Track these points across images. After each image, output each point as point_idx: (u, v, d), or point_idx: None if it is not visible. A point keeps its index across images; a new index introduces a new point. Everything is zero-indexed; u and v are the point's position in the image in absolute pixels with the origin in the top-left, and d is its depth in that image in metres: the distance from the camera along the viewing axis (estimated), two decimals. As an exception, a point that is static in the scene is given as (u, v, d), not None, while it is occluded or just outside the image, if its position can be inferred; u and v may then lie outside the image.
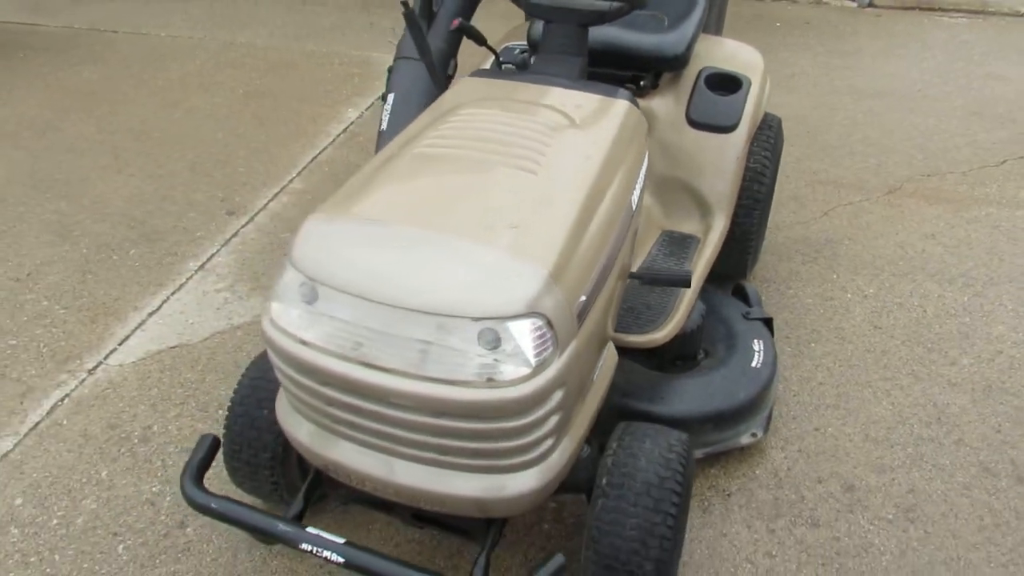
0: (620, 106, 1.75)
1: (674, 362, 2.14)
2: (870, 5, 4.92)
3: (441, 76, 2.54)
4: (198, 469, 1.55)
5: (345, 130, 3.67)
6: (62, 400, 2.28)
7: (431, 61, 2.12)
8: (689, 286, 1.83)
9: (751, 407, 2.02)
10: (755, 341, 2.14)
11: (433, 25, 2.54)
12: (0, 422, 2.21)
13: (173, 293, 2.68)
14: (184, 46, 4.60)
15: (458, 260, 1.33)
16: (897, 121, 3.61)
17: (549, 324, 1.31)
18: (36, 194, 3.23)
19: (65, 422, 2.21)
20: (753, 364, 2.07)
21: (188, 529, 1.92)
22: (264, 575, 1.82)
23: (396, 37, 4.60)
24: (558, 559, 1.38)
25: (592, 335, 1.48)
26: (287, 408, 1.54)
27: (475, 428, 1.32)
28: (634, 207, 1.69)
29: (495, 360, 1.29)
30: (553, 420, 1.38)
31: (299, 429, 1.51)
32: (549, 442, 1.41)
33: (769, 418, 2.08)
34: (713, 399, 1.98)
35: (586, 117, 1.69)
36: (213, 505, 1.47)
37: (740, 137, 2.27)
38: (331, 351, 1.35)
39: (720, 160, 2.27)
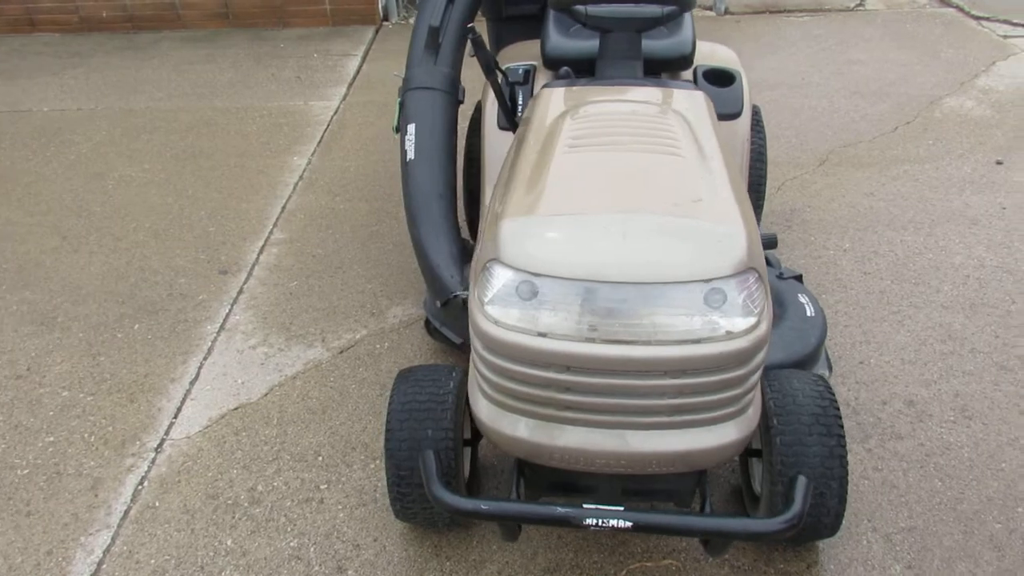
0: (699, 96, 1.96)
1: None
2: (727, 12, 5.52)
3: (454, 98, 2.65)
4: (445, 480, 1.56)
5: (301, 177, 3.63)
6: (141, 483, 2.14)
7: (496, 81, 2.22)
8: (775, 246, 2.06)
9: (818, 350, 2.29)
10: (799, 295, 2.41)
11: (439, 55, 2.65)
12: (83, 518, 2.04)
13: (205, 358, 2.57)
14: (77, 118, 4.32)
15: (667, 233, 1.47)
16: (798, 107, 4.11)
17: (759, 277, 1.48)
18: (-10, 287, 2.95)
19: (158, 504, 2.07)
20: (808, 314, 2.33)
21: (349, 572, 1.88)
22: (446, 595, 1.83)
23: (302, 85, 4.62)
24: (803, 479, 1.54)
25: (766, 290, 1.67)
26: (496, 412, 1.59)
27: (712, 381, 1.46)
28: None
29: (725, 315, 1.44)
30: (761, 369, 1.54)
31: (516, 427, 1.56)
32: (753, 392, 1.57)
33: (828, 358, 2.35)
34: (793, 347, 2.22)
35: (681, 106, 1.88)
36: (483, 507, 1.50)
37: (745, 122, 2.56)
38: (571, 336, 1.43)
39: (733, 143, 2.54)
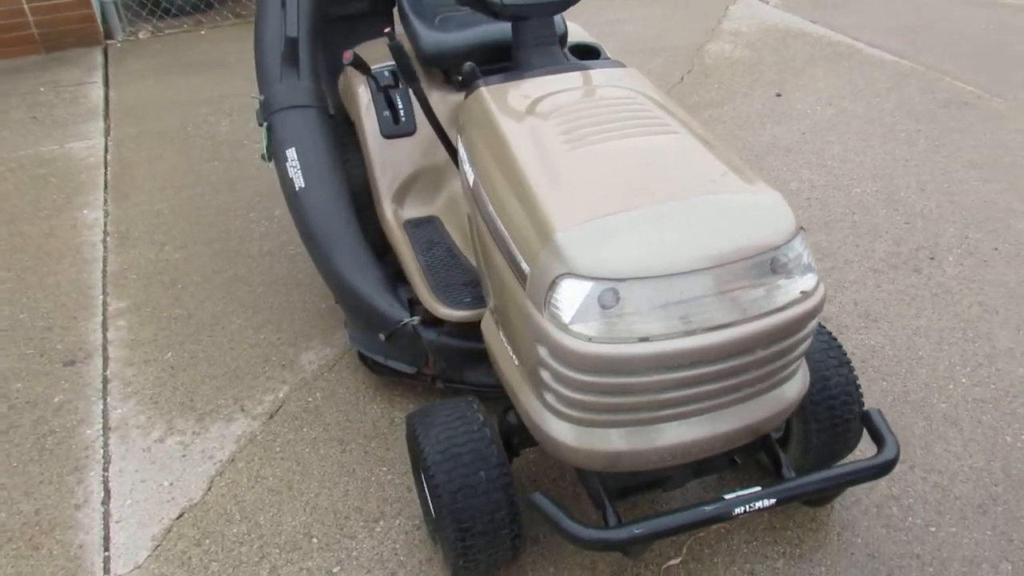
0: (635, 72, 1.96)
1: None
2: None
3: (327, 113, 2.41)
4: (571, 519, 1.43)
5: (106, 232, 3.08)
6: (107, 641, 1.71)
7: (420, 89, 2.03)
8: None
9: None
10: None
11: (300, 68, 2.38)
12: None
13: (106, 469, 2.11)
14: None
15: (726, 211, 1.46)
16: (589, 70, 4.28)
17: (805, 232, 1.53)
18: None
19: (144, 657, 1.68)
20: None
21: (419, 651, 1.68)
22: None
23: (44, 126, 3.92)
24: (876, 412, 1.64)
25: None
26: (584, 433, 1.49)
27: (791, 343, 1.50)
28: None
29: (795, 277, 1.48)
30: (813, 320, 1.61)
31: (607, 442, 1.49)
32: (807, 343, 1.64)
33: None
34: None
35: (635, 85, 1.87)
36: (637, 531, 1.39)
37: (623, 92, 2.61)
38: (672, 333, 1.39)
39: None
